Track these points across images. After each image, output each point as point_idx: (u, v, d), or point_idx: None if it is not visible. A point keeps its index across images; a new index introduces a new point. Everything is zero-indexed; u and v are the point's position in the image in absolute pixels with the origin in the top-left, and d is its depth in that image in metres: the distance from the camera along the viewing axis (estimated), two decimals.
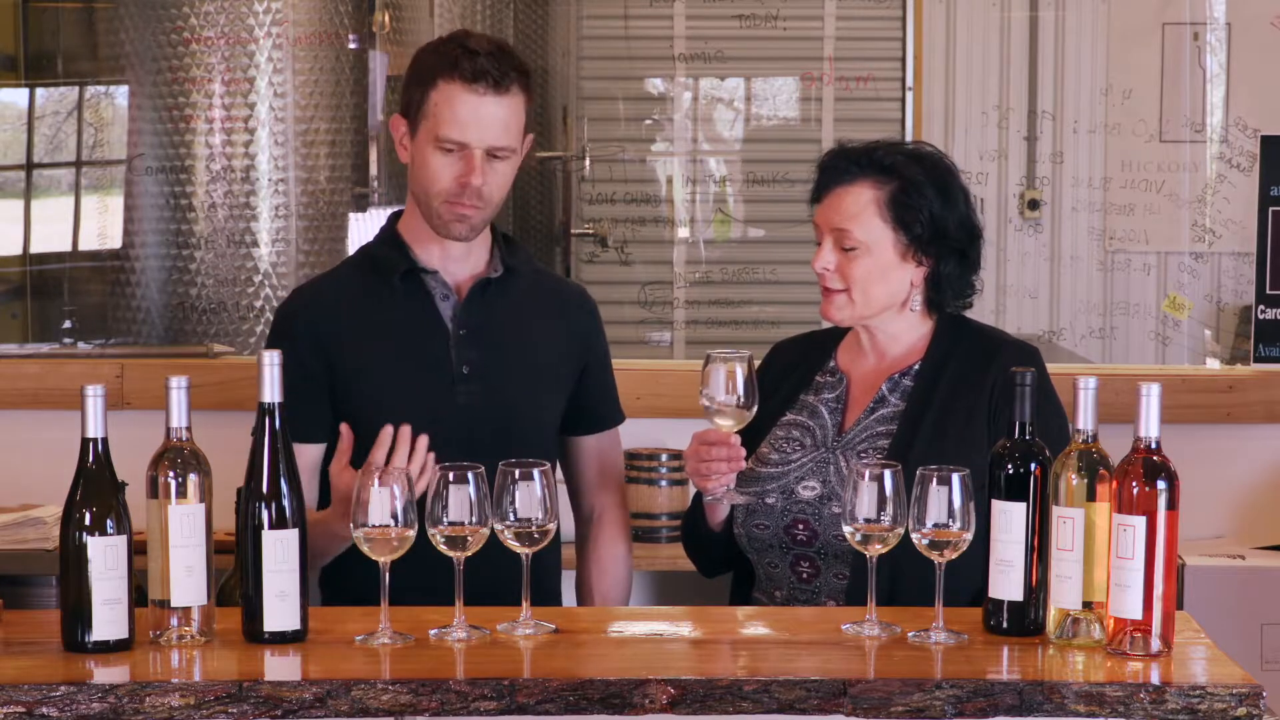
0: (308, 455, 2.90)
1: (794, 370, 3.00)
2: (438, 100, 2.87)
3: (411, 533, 2.42)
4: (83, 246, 5.34)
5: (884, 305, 2.91)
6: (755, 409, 2.74)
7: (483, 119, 2.86)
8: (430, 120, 2.88)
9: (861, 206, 2.88)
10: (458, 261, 2.98)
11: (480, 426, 2.91)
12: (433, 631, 2.44)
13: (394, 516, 2.42)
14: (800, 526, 2.87)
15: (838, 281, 2.89)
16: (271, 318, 4.85)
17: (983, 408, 2.86)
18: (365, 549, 2.43)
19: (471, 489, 2.41)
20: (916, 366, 2.93)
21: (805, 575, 2.88)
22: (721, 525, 2.93)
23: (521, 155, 2.97)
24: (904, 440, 2.85)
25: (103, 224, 5.22)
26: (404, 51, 5.28)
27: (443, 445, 2.85)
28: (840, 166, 2.91)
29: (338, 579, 2.98)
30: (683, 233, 6.65)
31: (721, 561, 3.03)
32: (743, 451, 2.77)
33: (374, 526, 2.41)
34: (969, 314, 3.01)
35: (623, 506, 3.15)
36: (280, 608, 2.39)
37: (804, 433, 2.95)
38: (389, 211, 3.13)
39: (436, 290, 2.96)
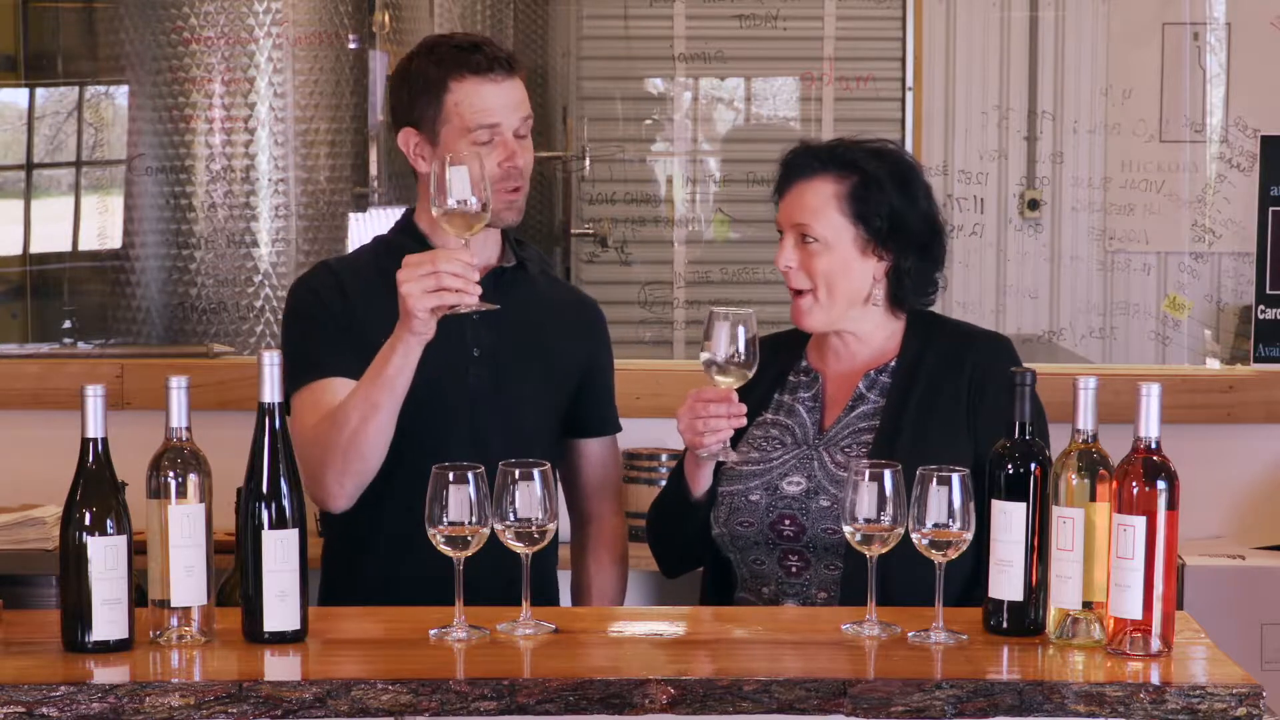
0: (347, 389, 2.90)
1: (766, 371, 3.00)
2: (457, 100, 2.92)
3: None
4: (83, 246, 5.34)
5: (848, 301, 2.92)
6: (756, 366, 2.74)
7: (505, 102, 2.94)
8: (455, 121, 2.93)
9: (822, 202, 2.90)
10: (474, 253, 2.99)
11: (487, 407, 2.94)
12: (433, 631, 2.44)
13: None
14: (787, 522, 2.87)
15: (803, 280, 2.91)
16: (272, 315, 4.86)
17: (963, 397, 2.89)
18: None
19: (471, 489, 2.41)
20: (893, 363, 2.94)
21: (794, 569, 2.87)
22: (704, 496, 2.91)
23: None
24: (888, 435, 2.86)
25: (103, 224, 5.22)
26: (404, 52, 5.27)
27: (450, 424, 2.89)
28: (802, 163, 2.94)
29: (341, 586, 3.00)
30: (682, 232, 6.66)
31: (690, 549, 3.00)
32: (743, 408, 2.78)
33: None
34: (955, 314, 3.03)
35: (619, 513, 3.19)
36: (280, 608, 2.39)
37: (784, 431, 2.96)
38: (389, 211, 3.16)
39: None
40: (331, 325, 2.91)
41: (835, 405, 2.96)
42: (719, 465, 2.91)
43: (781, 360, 3.03)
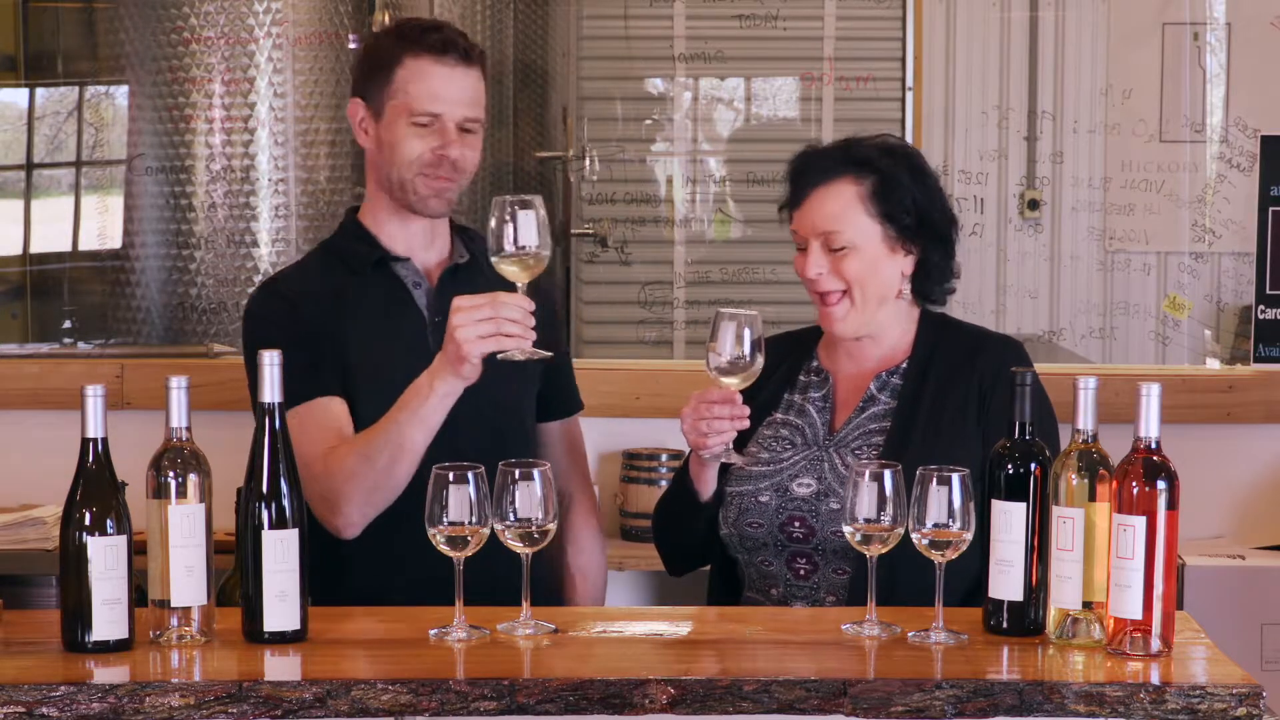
0: (339, 409, 2.89)
1: (776, 370, 3.00)
2: (407, 77, 2.91)
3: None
4: (83, 246, 5.34)
5: (879, 300, 2.91)
6: (761, 368, 2.73)
7: (453, 90, 2.91)
8: (401, 97, 2.91)
9: (845, 205, 2.89)
10: (424, 248, 3.00)
11: (462, 412, 2.92)
12: (433, 631, 2.44)
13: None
14: (796, 524, 2.86)
15: (836, 282, 2.89)
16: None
17: (974, 400, 2.88)
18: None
19: (471, 489, 2.41)
20: (904, 365, 2.94)
21: (803, 572, 2.87)
22: (710, 497, 2.90)
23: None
24: (899, 437, 2.85)
25: (103, 224, 5.22)
26: None
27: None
28: (815, 167, 2.92)
29: (338, 585, 3.00)
30: (682, 232, 6.66)
31: (697, 549, 3.00)
32: (746, 410, 2.76)
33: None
34: (955, 314, 3.04)
35: (591, 490, 3.22)
36: (280, 608, 2.39)
37: (794, 431, 2.95)
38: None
39: (408, 278, 2.98)
40: (294, 349, 2.84)
41: (846, 406, 2.95)
42: (726, 465, 2.90)
43: (792, 359, 3.02)
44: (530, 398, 3.06)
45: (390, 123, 2.93)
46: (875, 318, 2.92)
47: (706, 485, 2.90)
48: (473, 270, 3.01)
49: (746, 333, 2.71)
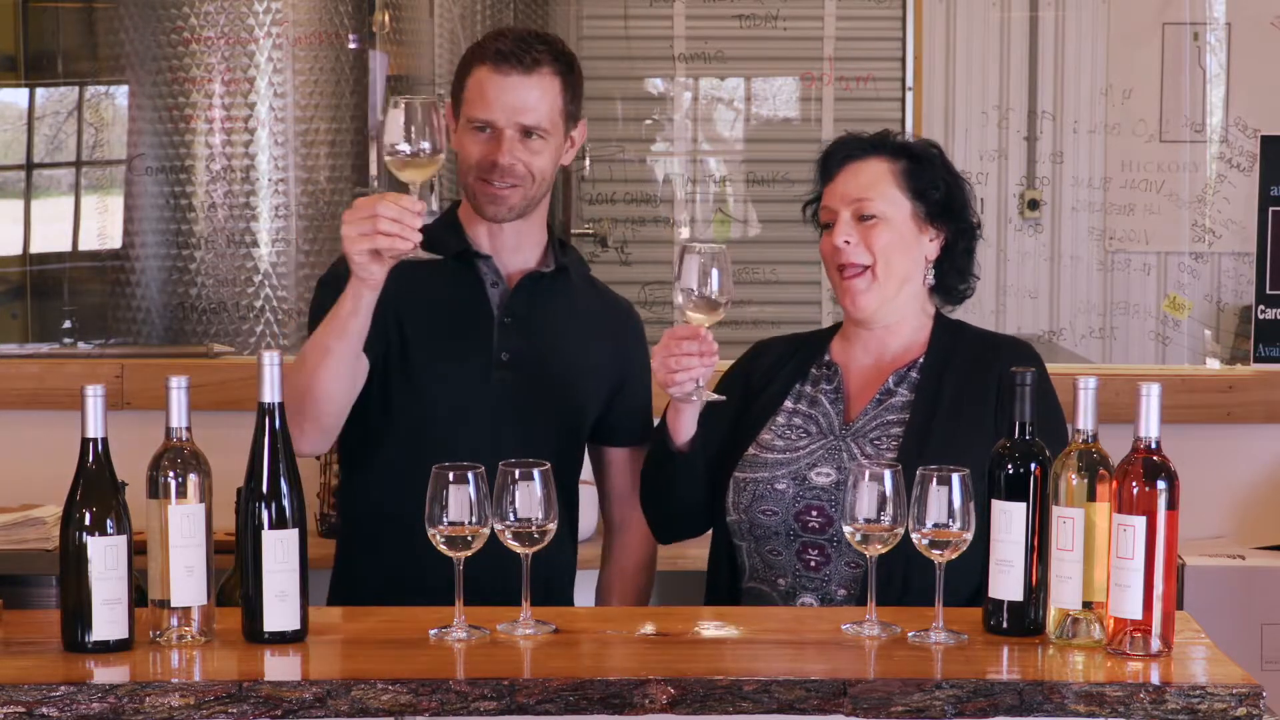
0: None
1: (785, 362, 3.00)
2: (471, 85, 2.96)
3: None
4: (83, 246, 5.35)
5: (901, 280, 2.92)
6: (729, 304, 2.68)
7: (509, 98, 2.93)
8: (465, 105, 2.96)
9: (878, 177, 2.93)
10: (510, 251, 3.02)
11: (510, 414, 2.94)
12: (433, 631, 2.44)
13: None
14: (814, 513, 2.85)
15: (863, 254, 2.90)
16: (272, 315, 4.86)
17: (990, 399, 2.88)
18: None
19: (471, 489, 2.41)
20: (921, 360, 2.94)
21: (813, 563, 2.85)
22: (688, 446, 2.85)
23: (569, 141, 3.02)
24: (919, 431, 2.85)
25: (103, 224, 5.22)
26: (404, 51, 5.28)
27: (472, 428, 2.89)
28: (851, 145, 2.98)
29: (348, 586, 3.00)
30: (683, 233, 6.66)
31: (679, 509, 2.95)
32: (715, 347, 2.70)
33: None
34: (956, 313, 3.05)
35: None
36: (280, 608, 2.39)
37: (807, 420, 2.95)
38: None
39: (487, 276, 3.00)
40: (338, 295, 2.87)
41: (859, 398, 2.95)
42: (734, 449, 2.90)
43: (802, 354, 3.03)
44: (585, 411, 3.05)
45: (459, 128, 2.98)
46: (895, 299, 2.93)
47: (681, 431, 2.85)
48: (556, 282, 3.03)
49: (713, 266, 2.65)
